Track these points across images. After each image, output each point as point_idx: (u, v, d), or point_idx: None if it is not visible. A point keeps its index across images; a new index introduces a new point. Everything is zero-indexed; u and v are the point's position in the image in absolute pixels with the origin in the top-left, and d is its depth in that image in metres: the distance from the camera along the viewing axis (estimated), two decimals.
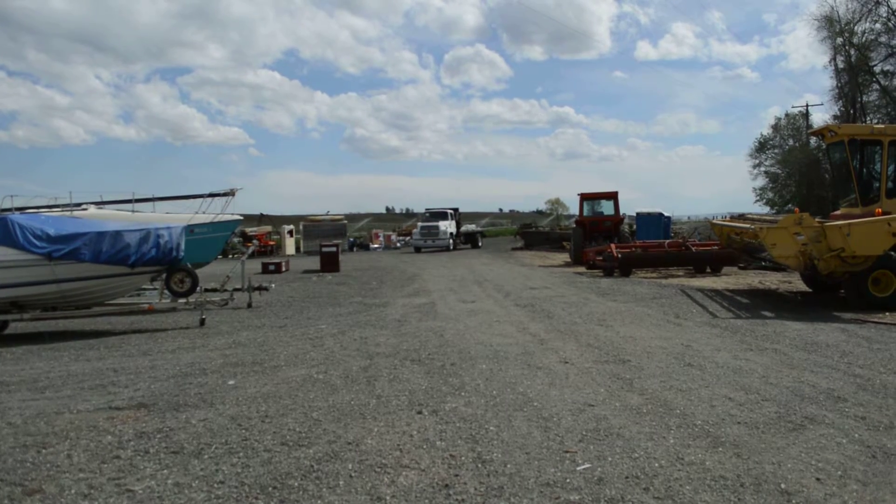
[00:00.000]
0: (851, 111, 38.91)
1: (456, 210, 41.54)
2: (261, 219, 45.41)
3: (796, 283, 15.96)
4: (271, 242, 40.55)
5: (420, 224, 39.53)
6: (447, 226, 37.70)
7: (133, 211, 21.47)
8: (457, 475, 4.35)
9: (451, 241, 37.71)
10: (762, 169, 52.07)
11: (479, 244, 42.95)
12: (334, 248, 24.22)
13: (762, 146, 51.97)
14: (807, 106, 48.47)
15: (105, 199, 21.77)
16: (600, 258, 20.60)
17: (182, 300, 11.95)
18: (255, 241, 31.82)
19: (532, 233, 42.82)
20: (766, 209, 48.96)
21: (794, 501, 3.91)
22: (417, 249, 38.02)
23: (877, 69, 37.81)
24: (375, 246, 44.43)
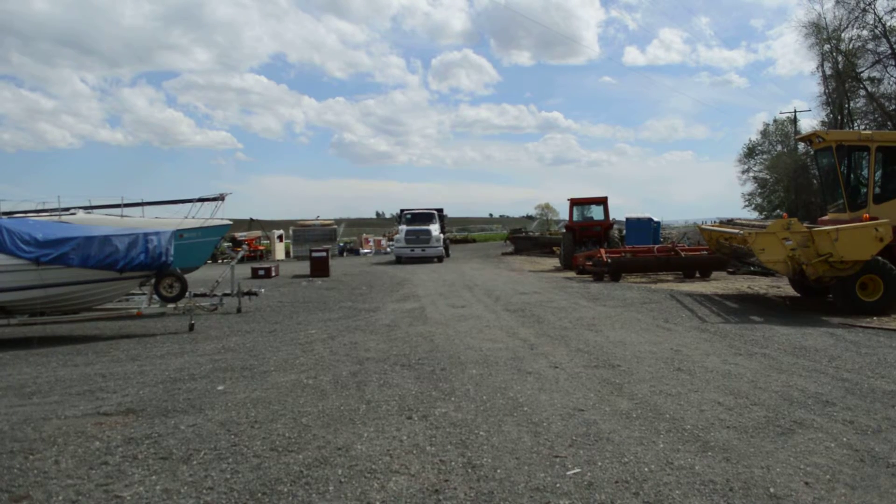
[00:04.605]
0: (839, 117, 39.26)
1: (440, 211, 35.55)
2: (250, 223, 45.23)
3: (785, 288, 16.05)
4: (261, 247, 40.43)
5: (405, 228, 31.20)
6: (437, 230, 31.45)
7: (122, 216, 21.41)
8: (447, 480, 4.34)
9: (443, 247, 31.52)
10: (751, 174, 52.70)
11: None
12: (324, 253, 24.16)
13: (750, 152, 52.51)
14: (795, 112, 49.07)
15: (94, 204, 21.70)
16: (590, 263, 20.66)
17: (171, 305, 11.89)
18: (244, 246, 31.55)
19: (522, 238, 42.86)
20: (755, 214, 49.47)
21: None
22: (399, 259, 30.59)
23: (864, 76, 38.19)
24: (366, 251, 44.39)
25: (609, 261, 19.64)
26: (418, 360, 8.25)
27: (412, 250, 30.11)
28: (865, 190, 13.24)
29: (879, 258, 11.89)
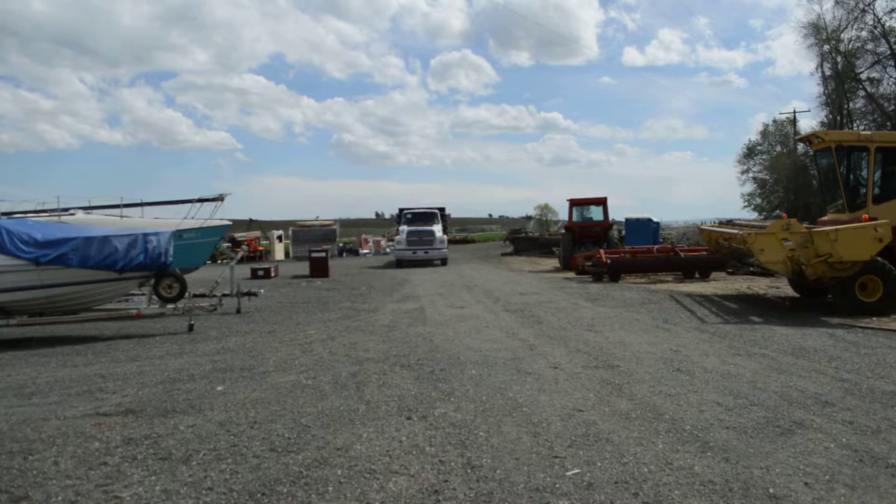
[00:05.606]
0: (838, 118, 39.31)
1: (442, 210, 33.45)
2: (250, 224, 45.24)
3: (784, 289, 16.05)
4: (260, 248, 40.39)
5: (406, 228, 28.83)
6: (440, 231, 29.30)
7: (121, 216, 21.40)
8: (446, 481, 4.34)
9: (447, 249, 29.36)
10: (750, 175, 52.66)
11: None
12: (323, 254, 24.15)
13: (750, 152, 52.48)
14: (794, 112, 49.02)
15: (93, 204, 21.69)
16: (589, 264, 20.66)
17: (170, 306, 11.89)
18: (243, 247, 31.49)
19: (521, 238, 42.86)
20: (754, 215, 49.44)
21: None
22: (399, 262, 28.14)
23: (863, 76, 38.27)
24: (365, 251, 44.37)
25: (608, 261, 19.64)
26: (418, 360, 8.25)
27: (414, 252, 27.81)
28: (865, 190, 13.23)
29: (879, 258, 11.88)
